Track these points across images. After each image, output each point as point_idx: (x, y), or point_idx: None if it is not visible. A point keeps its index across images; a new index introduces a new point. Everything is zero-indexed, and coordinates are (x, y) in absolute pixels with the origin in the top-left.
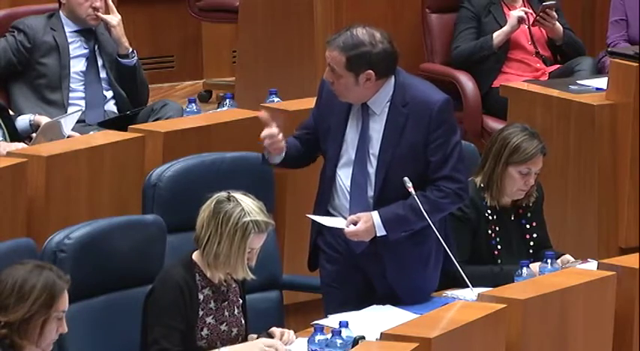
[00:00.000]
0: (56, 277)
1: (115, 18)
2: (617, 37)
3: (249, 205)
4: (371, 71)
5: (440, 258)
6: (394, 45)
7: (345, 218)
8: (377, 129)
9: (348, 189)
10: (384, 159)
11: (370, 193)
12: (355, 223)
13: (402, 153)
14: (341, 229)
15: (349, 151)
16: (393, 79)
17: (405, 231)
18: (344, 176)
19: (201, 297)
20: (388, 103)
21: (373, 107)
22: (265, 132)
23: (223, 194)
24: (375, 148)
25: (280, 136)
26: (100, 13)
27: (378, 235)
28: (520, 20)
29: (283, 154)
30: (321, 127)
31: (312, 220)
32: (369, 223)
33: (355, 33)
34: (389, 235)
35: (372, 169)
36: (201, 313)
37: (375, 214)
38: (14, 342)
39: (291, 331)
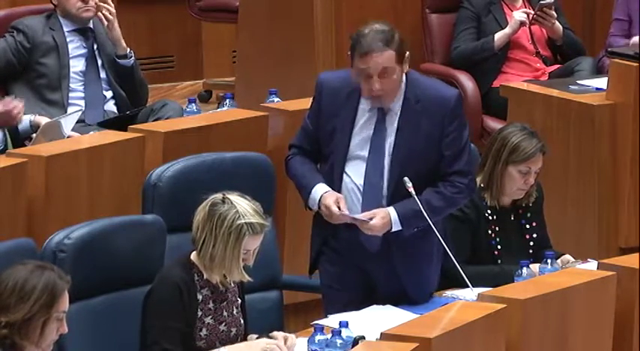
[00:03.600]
0: (57, 278)
1: (115, 20)
2: (617, 35)
3: (243, 207)
4: (408, 53)
5: (440, 255)
6: None
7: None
8: (391, 126)
9: (360, 188)
10: (398, 156)
11: (384, 190)
12: (371, 219)
13: (417, 150)
14: (345, 230)
15: (359, 150)
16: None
17: (418, 226)
18: (354, 175)
19: (199, 297)
20: (401, 99)
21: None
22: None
23: (218, 196)
24: (390, 145)
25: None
26: (92, 6)
27: (393, 229)
28: (522, 24)
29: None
30: (324, 131)
31: (316, 228)
32: (386, 218)
33: (376, 28)
34: (404, 231)
35: (386, 167)
36: (199, 313)
37: (391, 210)
38: (15, 342)
39: (294, 336)
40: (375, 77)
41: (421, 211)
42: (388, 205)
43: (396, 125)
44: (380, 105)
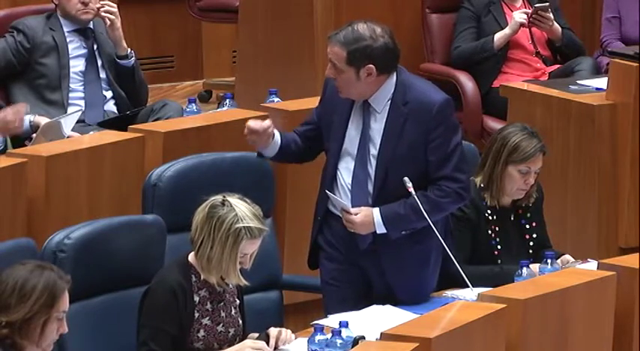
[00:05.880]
0: (57, 278)
1: (117, 20)
2: (610, 35)
3: (243, 211)
4: (372, 65)
5: (440, 258)
6: (395, 41)
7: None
8: (377, 127)
9: (349, 186)
10: (383, 157)
11: (371, 190)
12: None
13: (401, 152)
14: (341, 226)
15: (350, 148)
16: (394, 77)
17: (405, 230)
18: (345, 173)
19: (196, 299)
20: (389, 102)
21: (374, 105)
22: (248, 127)
23: (218, 198)
24: (375, 146)
25: (264, 129)
26: (92, 8)
27: (377, 232)
28: (522, 24)
29: (276, 147)
30: (324, 124)
31: (314, 219)
32: (368, 217)
33: (356, 28)
34: (389, 233)
35: (372, 168)
36: (197, 314)
37: (375, 211)
38: (15, 342)
39: (289, 331)
40: (330, 64)
41: (406, 215)
42: (374, 205)
43: (382, 126)
44: (342, 95)
